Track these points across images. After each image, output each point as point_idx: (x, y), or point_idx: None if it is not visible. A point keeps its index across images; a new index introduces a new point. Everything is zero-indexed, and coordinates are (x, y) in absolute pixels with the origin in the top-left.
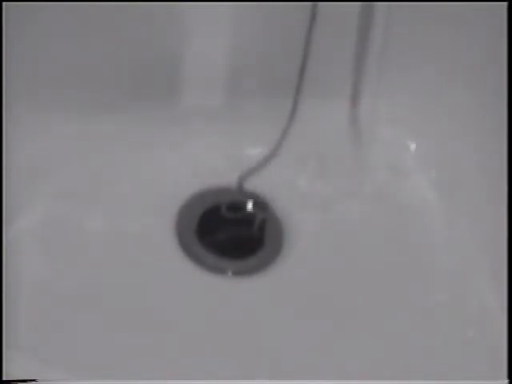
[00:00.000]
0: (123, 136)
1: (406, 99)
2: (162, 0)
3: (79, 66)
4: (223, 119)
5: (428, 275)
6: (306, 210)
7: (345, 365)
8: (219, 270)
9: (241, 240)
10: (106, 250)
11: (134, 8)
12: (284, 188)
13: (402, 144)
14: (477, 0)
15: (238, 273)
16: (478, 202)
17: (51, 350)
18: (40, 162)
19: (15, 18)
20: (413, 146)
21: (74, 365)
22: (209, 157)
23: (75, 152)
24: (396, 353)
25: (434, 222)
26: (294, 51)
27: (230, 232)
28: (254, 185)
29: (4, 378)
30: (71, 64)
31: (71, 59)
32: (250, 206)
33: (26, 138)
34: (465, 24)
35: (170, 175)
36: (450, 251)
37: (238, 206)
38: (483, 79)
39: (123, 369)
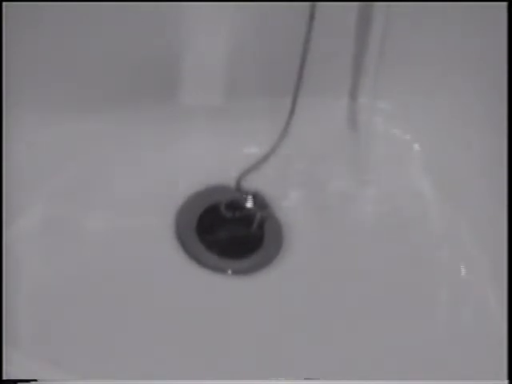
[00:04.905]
0: (123, 136)
1: (406, 98)
2: (162, 0)
3: (79, 65)
4: (222, 118)
5: (428, 275)
6: (305, 208)
7: (345, 364)
8: (219, 269)
9: (240, 239)
10: (106, 250)
11: (133, 8)
12: (283, 187)
13: (401, 143)
14: (477, 0)
15: (237, 272)
16: (478, 201)
17: (51, 350)
18: (40, 161)
19: (15, 17)
20: (412, 145)
21: (74, 365)
22: (208, 156)
23: (75, 152)
24: (396, 352)
25: (433, 221)
26: (293, 51)
27: (230, 231)
28: (253, 184)
29: (4, 378)
30: (71, 64)
31: (71, 59)
32: (249, 204)
33: (26, 137)
34: (464, 23)
35: (169, 174)
36: (450, 251)
37: (238, 205)
38: (483, 78)
39: (123, 368)
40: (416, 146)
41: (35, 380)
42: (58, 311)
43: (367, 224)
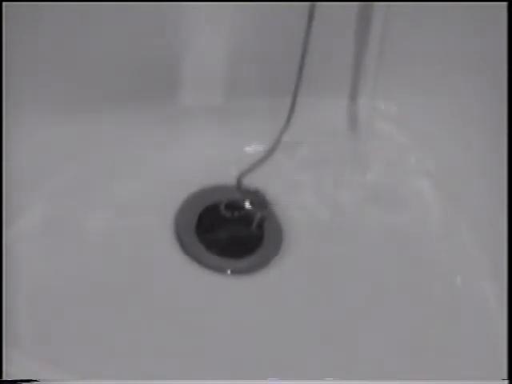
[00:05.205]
0: (123, 135)
1: (406, 98)
2: (162, 0)
3: (79, 66)
4: (222, 118)
5: (428, 275)
6: (305, 207)
7: (345, 364)
8: (218, 269)
9: (240, 238)
10: (106, 250)
11: (133, 8)
12: (283, 186)
13: (401, 142)
14: (477, 0)
15: (237, 271)
16: (478, 201)
17: (51, 350)
18: (40, 161)
19: (15, 17)
20: (412, 145)
21: (74, 365)
22: (208, 155)
23: (75, 152)
24: (396, 352)
25: (434, 221)
26: (292, 51)
27: (229, 230)
28: (252, 183)
29: (4, 378)
30: (71, 64)
31: (71, 59)
32: (248, 204)
33: (26, 137)
34: (464, 23)
35: (169, 174)
36: (450, 251)
37: (237, 205)
38: (483, 78)
39: (123, 368)
40: (416, 146)
41: (35, 380)
42: (58, 311)
43: (367, 224)
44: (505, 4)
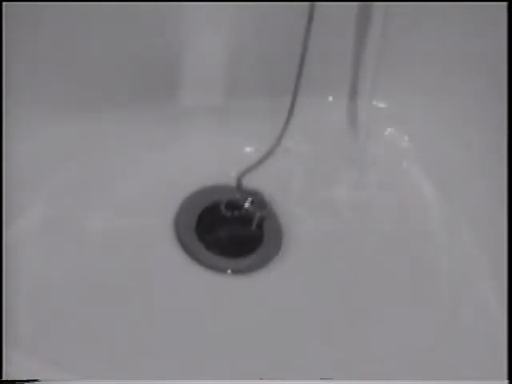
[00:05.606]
0: (123, 135)
1: (406, 98)
2: (162, 0)
3: (79, 66)
4: (222, 118)
5: (428, 275)
6: (304, 207)
7: (345, 364)
8: (218, 269)
9: (240, 238)
10: (106, 250)
11: (133, 8)
12: (283, 186)
13: (401, 143)
14: (477, 0)
15: (237, 271)
16: (478, 201)
17: (51, 350)
18: (40, 161)
19: (15, 17)
20: (412, 145)
21: (74, 365)
22: (208, 155)
23: (75, 152)
24: (396, 352)
25: (433, 221)
26: (292, 51)
27: (229, 230)
28: (252, 183)
29: (4, 378)
30: (71, 64)
31: (71, 59)
32: (248, 204)
33: (26, 137)
34: (464, 23)
35: (168, 174)
36: (450, 251)
37: (237, 205)
38: (483, 78)
39: (123, 368)
40: (415, 146)
41: (36, 380)
42: (58, 311)
43: (367, 224)
44: (505, 4)
